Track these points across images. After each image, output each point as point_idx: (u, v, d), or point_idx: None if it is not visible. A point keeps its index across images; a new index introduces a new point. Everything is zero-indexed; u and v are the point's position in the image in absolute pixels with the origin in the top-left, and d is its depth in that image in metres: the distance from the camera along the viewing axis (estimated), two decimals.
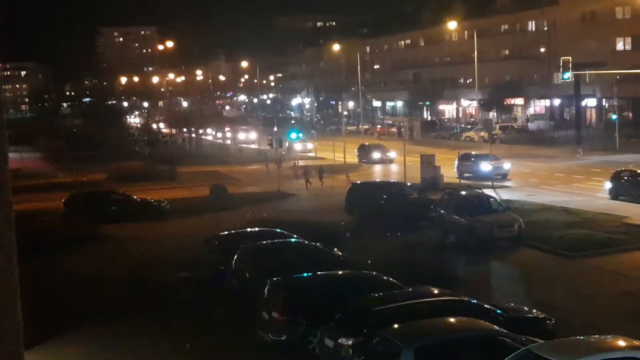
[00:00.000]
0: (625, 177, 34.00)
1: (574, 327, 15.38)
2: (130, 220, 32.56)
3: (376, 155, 55.80)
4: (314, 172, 45.70)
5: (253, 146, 72.98)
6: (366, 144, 60.96)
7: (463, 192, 29.72)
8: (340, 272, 17.57)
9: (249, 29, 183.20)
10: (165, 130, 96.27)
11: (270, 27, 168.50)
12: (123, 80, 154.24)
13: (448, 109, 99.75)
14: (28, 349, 15.22)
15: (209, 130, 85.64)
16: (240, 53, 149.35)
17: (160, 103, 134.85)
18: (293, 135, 54.71)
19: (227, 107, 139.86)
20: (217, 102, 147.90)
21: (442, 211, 27.61)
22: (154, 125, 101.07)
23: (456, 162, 44.24)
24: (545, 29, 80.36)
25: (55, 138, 71.14)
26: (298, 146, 62.29)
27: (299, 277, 16.72)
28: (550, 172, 45.50)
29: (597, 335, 12.26)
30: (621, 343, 11.29)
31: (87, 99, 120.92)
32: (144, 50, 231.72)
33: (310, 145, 65.53)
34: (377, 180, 44.85)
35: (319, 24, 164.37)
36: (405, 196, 31.81)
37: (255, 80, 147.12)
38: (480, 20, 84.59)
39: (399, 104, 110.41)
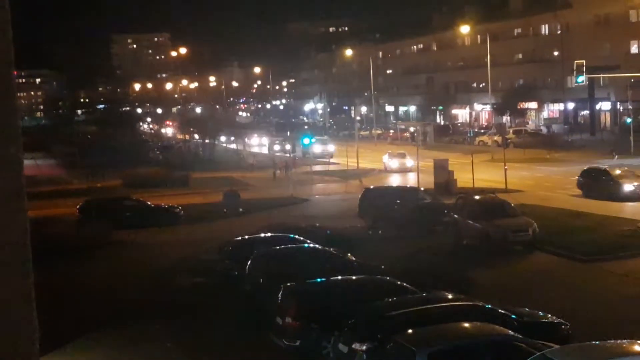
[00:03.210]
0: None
1: (589, 331, 15.27)
2: (145, 227, 32.65)
3: (628, 187, 34.60)
4: (282, 165, 50.11)
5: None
6: (603, 169, 37.61)
7: (477, 197, 29.62)
8: (354, 278, 17.54)
9: (262, 35, 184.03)
10: (179, 136, 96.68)
11: (283, 33, 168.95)
12: (137, 86, 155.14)
13: (461, 114, 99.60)
14: (43, 355, 15.31)
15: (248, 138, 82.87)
16: (252, 59, 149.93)
17: (174, 109, 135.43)
18: (306, 141, 54.82)
19: (240, 113, 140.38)
20: (240, 106, 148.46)
21: (455, 216, 27.54)
22: (164, 131, 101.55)
23: None
24: (559, 32, 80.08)
25: (70, 145, 71.52)
26: (394, 163, 53.73)
27: (313, 283, 16.72)
28: (565, 176, 45.29)
29: (612, 340, 12.18)
30: (637, 348, 11.22)
31: (101, 106, 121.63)
32: (158, 57, 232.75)
33: (410, 162, 51.34)
34: (391, 185, 44.78)
35: (331, 29, 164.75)
36: (419, 201, 31.73)
37: (268, 86, 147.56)
38: (493, 24, 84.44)
39: (412, 108, 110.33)
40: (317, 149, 66.38)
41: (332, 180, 51.32)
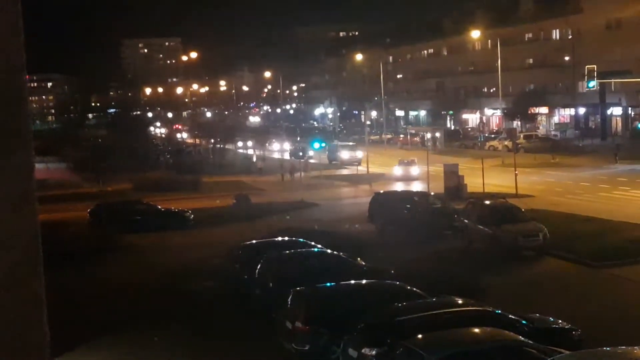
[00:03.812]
0: None
1: (600, 337, 15.20)
2: (155, 230, 32.76)
3: None
4: (290, 168, 52.82)
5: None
6: None
7: (487, 202, 29.54)
8: (363, 282, 17.53)
9: (272, 39, 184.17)
10: (189, 141, 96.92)
11: (293, 37, 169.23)
12: (147, 91, 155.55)
13: (471, 118, 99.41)
14: (54, 357, 15.36)
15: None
16: (263, 63, 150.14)
17: (184, 113, 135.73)
18: (316, 145, 54.88)
19: (250, 118, 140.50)
20: (252, 110, 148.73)
21: (465, 221, 27.47)
22: (179, 135, 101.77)
23: None
24: (570, 37, 79.85)
25: (81, 149, 71.79)
26: (398, 170, 51.94)
27: (322, 287, 16.71)
28: (576, 181, 45.17)
29: (623, 347, 12.10)
30: None
31: (112, 110, 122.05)
32: (168, 62, 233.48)
33: (416, 171, 51.03)
34: (401, 189, 44.73)
35: (341, 33, 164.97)
36: (429, 205, 31.68)
37: (278, 91, 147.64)
38: (504, 29, 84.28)
39: (422, 113, 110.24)
40: (345, 155, 63.26)
41: (342, 184, 51.35)
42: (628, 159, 54.18)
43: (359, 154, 63.13)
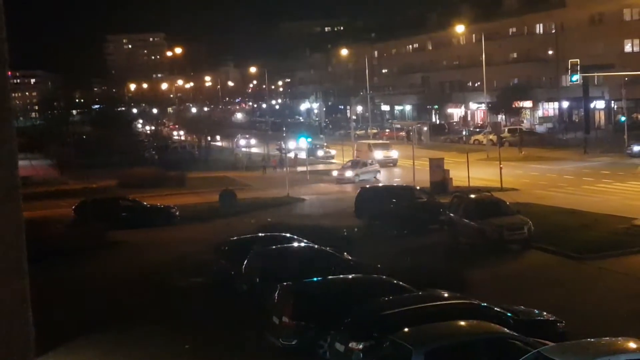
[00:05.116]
0: None
1: (585, 329, 15.32)
2: (140, 227, 32.63)
3: None
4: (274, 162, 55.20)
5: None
6: None
7: (472, 196, 29.64)
8: (350, 277, 17.58)
9: (257, 34, 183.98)
10: (175, 137, 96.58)
11: (278, 32, 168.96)
12: (132, 87, 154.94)
13: (456, 113, 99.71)
14: (39, 355, 15.31)
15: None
16: (248, 59, 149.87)
17: (170, 109, 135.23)
18: (302, 140, 54.95)
19: (236, 115, 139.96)
20: (239, 105, 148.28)
21: (451, 214, 27.58)
22: (174, 133, 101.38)
23: None
24: (553, 31, 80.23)
25: (65, 145, 71.44)
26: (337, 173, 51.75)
27: (309, 282, 16.74)
28: (560, 175, 45.43)
29: (607, 338, 12.22)
30: (632, 345, 11.27)
31: (96, 106, 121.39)
32: (153, 57, 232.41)
33: (350, 173, 49.93)
34: (387, 184, 44.82)
35: (326, 29, 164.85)
36: (415, 200, 31.77)
37: (264, 86, 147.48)
38: (488, 24, 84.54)
39: (408, 107, 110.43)
40: (378, 154, 57.53)
41: (328, 179, 51.36)
42: (611, 152, 54.59)
43: (394, 153, 58.66)
